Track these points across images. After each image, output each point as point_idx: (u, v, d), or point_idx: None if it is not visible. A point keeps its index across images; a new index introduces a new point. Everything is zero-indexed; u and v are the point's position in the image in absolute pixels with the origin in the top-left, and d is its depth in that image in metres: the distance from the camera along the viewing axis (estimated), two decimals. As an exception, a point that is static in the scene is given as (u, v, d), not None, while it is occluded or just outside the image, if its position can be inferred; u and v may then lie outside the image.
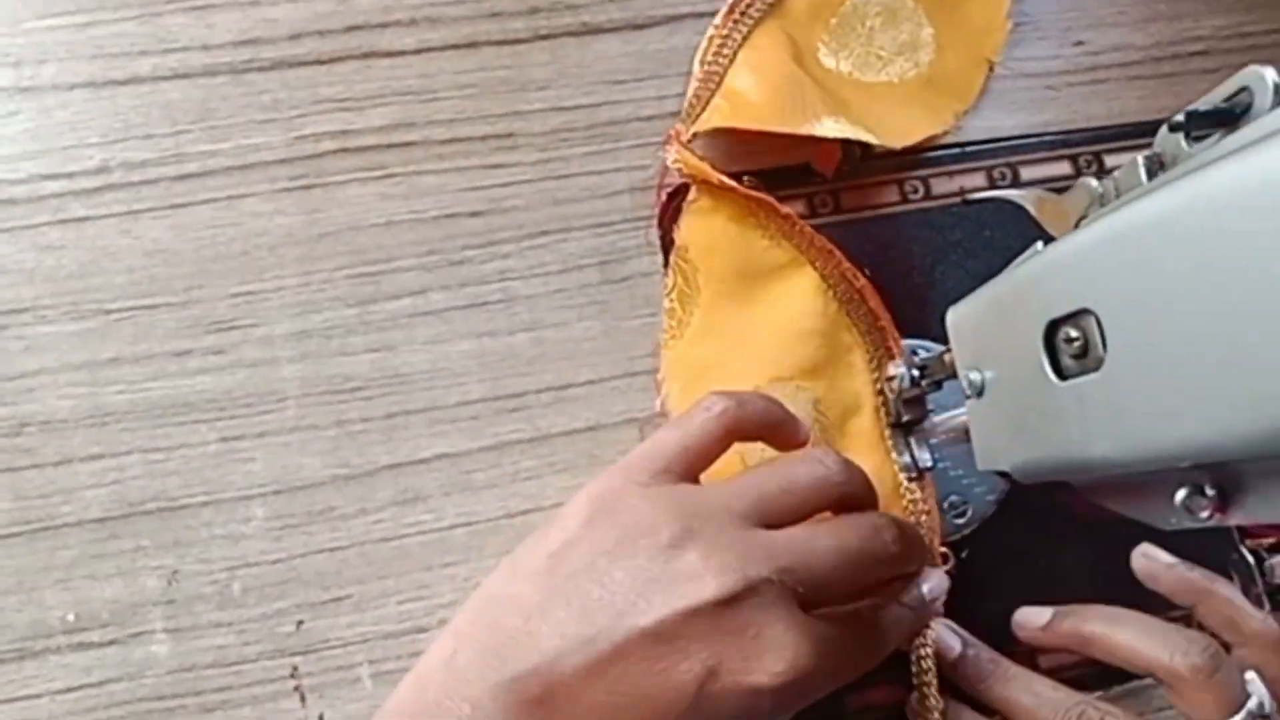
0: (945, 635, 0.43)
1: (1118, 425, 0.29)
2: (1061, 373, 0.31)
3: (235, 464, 0.43)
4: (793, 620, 0.33)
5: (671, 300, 0.46)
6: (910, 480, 0.45)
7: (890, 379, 0.43)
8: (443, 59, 0.47)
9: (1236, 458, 0.27)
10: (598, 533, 0.34)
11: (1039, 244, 0.34)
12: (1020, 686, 0.41)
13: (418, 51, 0.47)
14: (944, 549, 0.44)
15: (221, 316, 0.44)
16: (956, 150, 0.50)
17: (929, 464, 0.45)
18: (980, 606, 0.45)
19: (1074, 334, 0.30)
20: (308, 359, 0.44)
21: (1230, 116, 0.28)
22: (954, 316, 0.38)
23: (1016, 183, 0.50)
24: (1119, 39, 0.52)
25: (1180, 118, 0.28)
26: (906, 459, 0.45)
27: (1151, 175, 0.31)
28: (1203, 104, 0.29)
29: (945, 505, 0.46)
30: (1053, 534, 0.47)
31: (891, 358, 0.45)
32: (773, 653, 0.32)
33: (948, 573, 0.42)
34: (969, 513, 0.46)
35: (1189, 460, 0.27)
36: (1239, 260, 0.24)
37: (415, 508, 0.44)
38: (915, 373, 0.42)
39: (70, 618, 0.42)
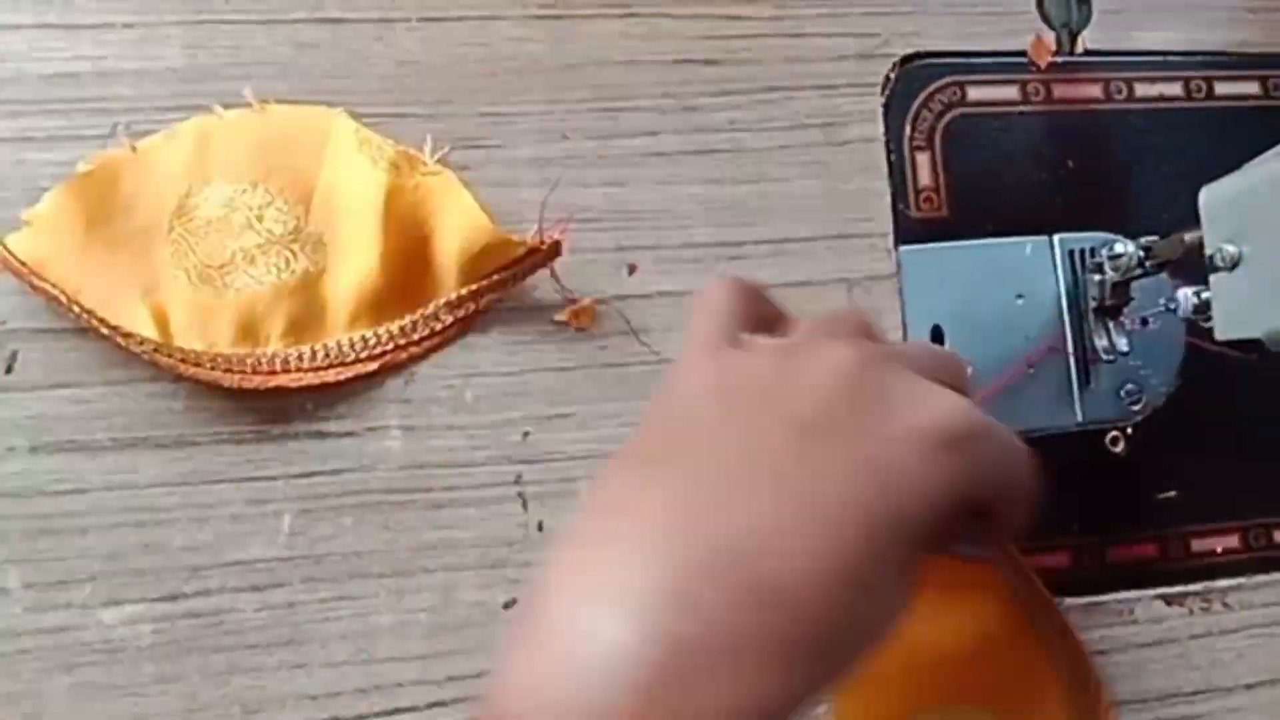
0: None
1: None
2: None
3: (474, 278, 0.45)
4: (913, 394, 0.28)
5: None
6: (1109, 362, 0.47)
7: (1115, 257, 0.45)
8: (690, -98, 0.48)
9: None
10: (752, 414, 0.27)
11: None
12: None
13: (667, -108, 0.48)
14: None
15: (468, 133, 0.45)
16: (1159, 58, 0.52)
17: (1125, 349, 0.47)
18: (1148, 490, 0.48)
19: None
20: (547, 184, 0.45)
21: None
22: (1209, 193, 0.40)
23: (1210, 95, 0.52)
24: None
25: None
26: (1105, 343, 0.47)
27: None
28: None
29: (1121, 393, 0.49)
30: (1211, 434, 0.50)
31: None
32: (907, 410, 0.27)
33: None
34: (1143, 400, 0.49)
35: None
36: None
37: (637, 338, 0.45)
38: (1141, 253, 0.44)
39: (309, 406, 0.43)
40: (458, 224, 0.43)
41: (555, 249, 0.43)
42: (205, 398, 0.42)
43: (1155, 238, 0.45)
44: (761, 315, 0.33)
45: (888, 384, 0.28)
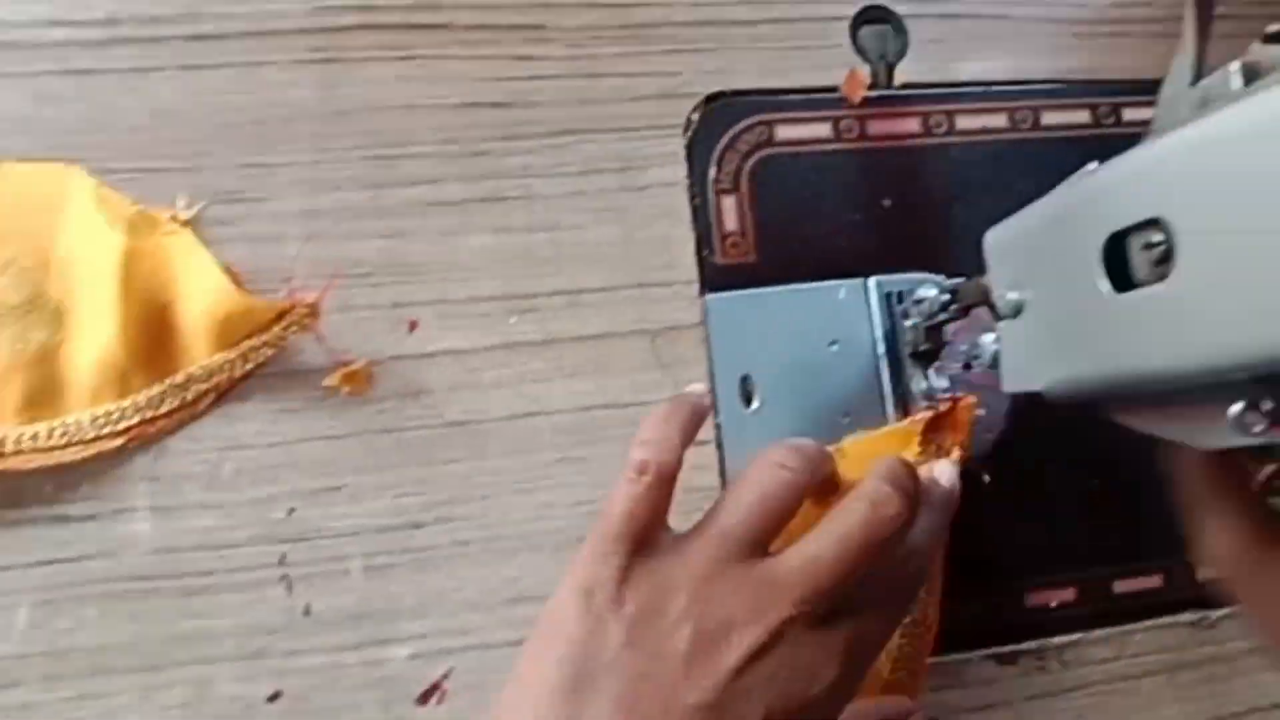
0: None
1: (1180, 335, 0.29)
2: (1121, 285, 0.31)
3: (236, 341, 0.41)
4: (820, 642, 0.33)
5: None
6: (927, 407, 0.45)
7: (919, 302, 0.43)
8: (478, -59, 0.46)
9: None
10: (605, 627, 0.32)
11: (1093, 164, 0.34)
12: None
13: (452, -70, 0.45)
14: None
15: (228, 187, 0.42)
16: (981, 89, 0.50)
17: (945, 391, 0.44)
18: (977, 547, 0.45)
19: (1156, 239, 0.29)
20: (315, 238, 0.43)
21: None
22: (993, 238, 0.38)
23: (1037, 126, 0.50)
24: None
25: (1276, 28, 0.28)
26: (924, 386, 0.45)
27: (1248, 83, 0.30)
28: (1296, 18, 0.28)
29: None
30: (1046, 482, 0.47)
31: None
32: (806, 678, 0.32)
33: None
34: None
35: (1256, 368, 0.27)
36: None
37: (417, 401, 0.42)
38: (946, 296, 0.42)
39: (48, 488, 0.40)
40: (200, 288, 0.40)
41: (312, 311, 0.40)
42: (-67, 482, 0.39)
43: (962, 279, 0.42)
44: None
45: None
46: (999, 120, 0.50)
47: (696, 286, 0.45)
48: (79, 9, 0.42)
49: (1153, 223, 0.29)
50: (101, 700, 0.39)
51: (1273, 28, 0.28)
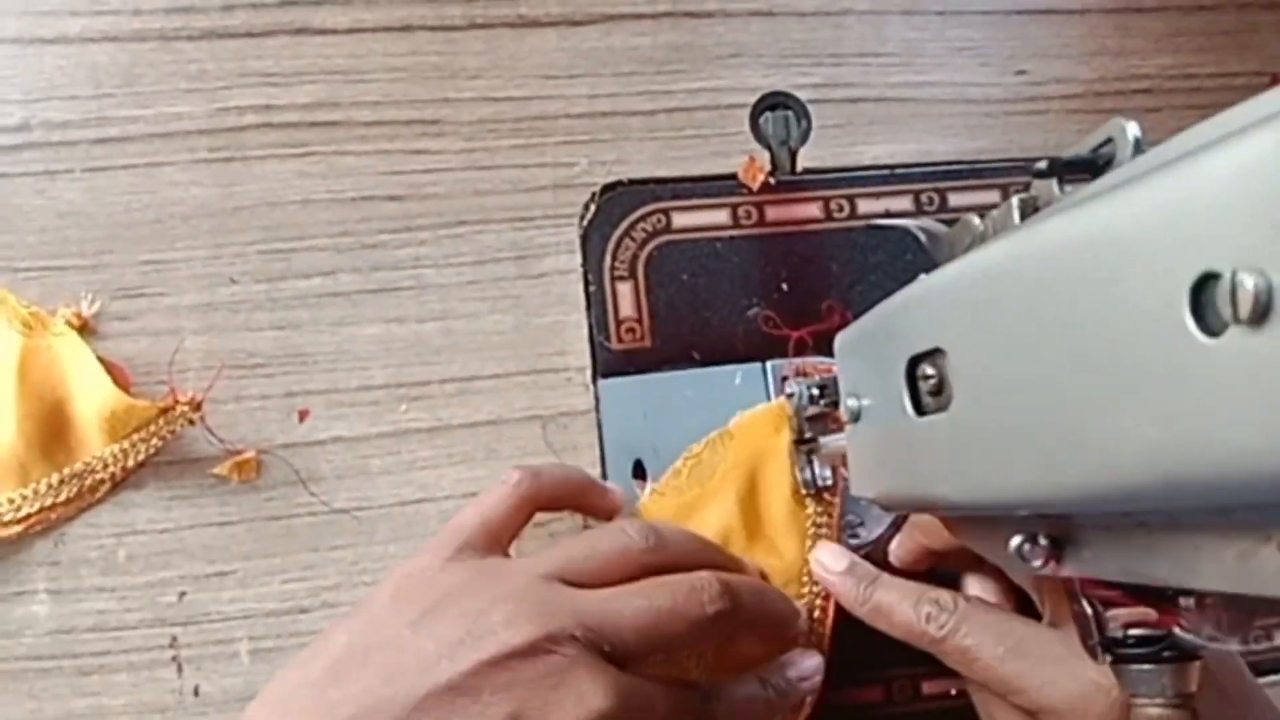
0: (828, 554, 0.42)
1: (960, 467, 0.29)
2: (920, 409, 0.31)
3: (130, 431, 0.43)
4: (596, 670, 0.33)
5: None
6: (808, 495, 0.45)
7: (789, 395, 0.43)
8: (374, 40, 0.47)
9: (1068, 510, 0.27)
10: (403, 607, 0.34)
11: (924, 275, 0.34)
12: (892, 585, 0.40)
13: (350, 31, 0.47)
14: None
15: (130, 283, 0.44)
16: (885, 172, 0.50)
17: (828, 482, 0.45)
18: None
19: (930, 371, 0.30)
20: (212, 331, 0.44)
21: (1093, 166, 0.28)
22: (841, 340, 0.38)
23: (944, 208, 0.50)
24: (1062, 71, 0.52)
25: (1043, 164, 0.28)
26: (807, 475, 0.45)
27: (1024, 217, 0.30)
28: (1069, 152, 0.29)
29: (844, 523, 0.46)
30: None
31: None
32: (573, 699, 0.32)
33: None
34: (862, 534, 0.46)
35: (1023, 509, 0.27)
36: (1072, 312, 0.23)
37: (306, 488, 0.44)
38: (814, 391, 0.42)
39: (-49, 571, 0.42)
40: (88, 386, 0.42)
41: (194, 405, 0.42)
42: None
43: (833, 375, 0.42)
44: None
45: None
46: (903, 203, 0.50)
47: (589, 373, 0.46)
48: (-9, 116, 0.44)
49: (939, 350, 0.29)
50: (-5, 777, 0.41)
51: (1040, 164, 0.28)
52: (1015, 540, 0.28)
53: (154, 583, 0.43)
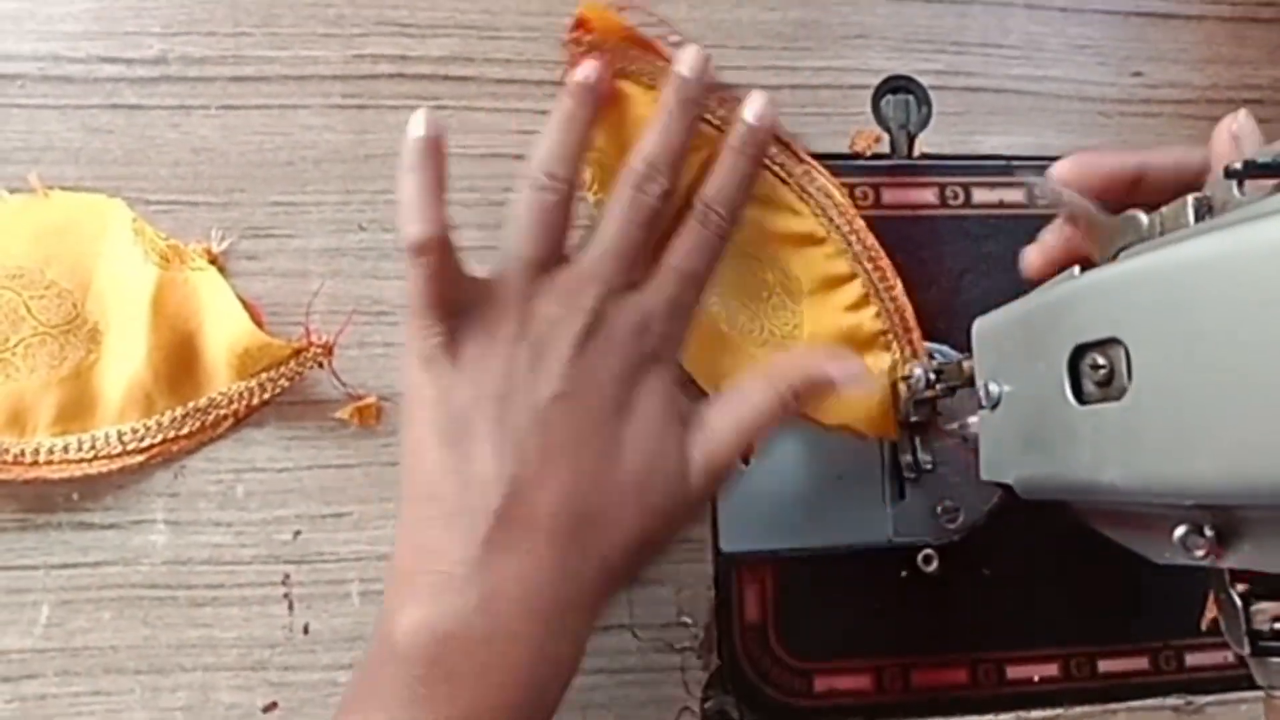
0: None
1: (1130, 455, 0.29)
2: (1082, 397, 0.32)
3: (255, 369, 0.44)
4: (638, 303, 0.38)
5: (594, 194, 0.45)
6: (912, 480, 0.46)
7: (906, 378, 0.44)
8: (510, -2, 0.47)
9: (1240, 503, 0.27)
10: (455, 382, 0.36)
11: (1075, 269, 0.34)
12: None
13: (487, -14, 0.47)
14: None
15: (259, 223, 0.45)
16: (1002, 163, 0.50)
17: (929, 466, 0.45)
18: (961, 612, 0.46)
19: (1101, 361, 0.30)
20: (338, 276, 0.45)
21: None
22: (980, 327, 0.38)
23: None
24: (1177, 75, 0.52)
25: (1238, 165, 0.29)
26: (909, 458, 0.46)
27: (1199, 218, 0.31)
28: (1261, 155, 0.29)
29: (938, 510, 0.47)
30: (1037, 553, 0.48)
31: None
32: (646, 330, 0.38)
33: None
34: (960, 518, 0.47)
35: (1194, 499, 0.28)
36: (1271, 314, 0.24)
37: (424, 437, 0.44)
38: (932, 375, 0.43)
39: (75, 496, 0.42)
40: (222, 322, 0.42)
41: (326, 350, 0.43)
42: (-32, 484, 0.42)
43: (952, 359, 0.43)
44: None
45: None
46: (1016, 195, 0.50)
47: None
48: (130, 47, 0.45)
49: (1114, 341, 0.30)
50: (111, 698, 0.42)
51: (1234, 165, 0.29)
52: (1180, 530, 0.29)
53: (270, 520, 0.43)
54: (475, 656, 0.33)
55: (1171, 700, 0.48)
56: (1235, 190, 0.30)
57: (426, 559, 0.34)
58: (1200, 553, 0.29)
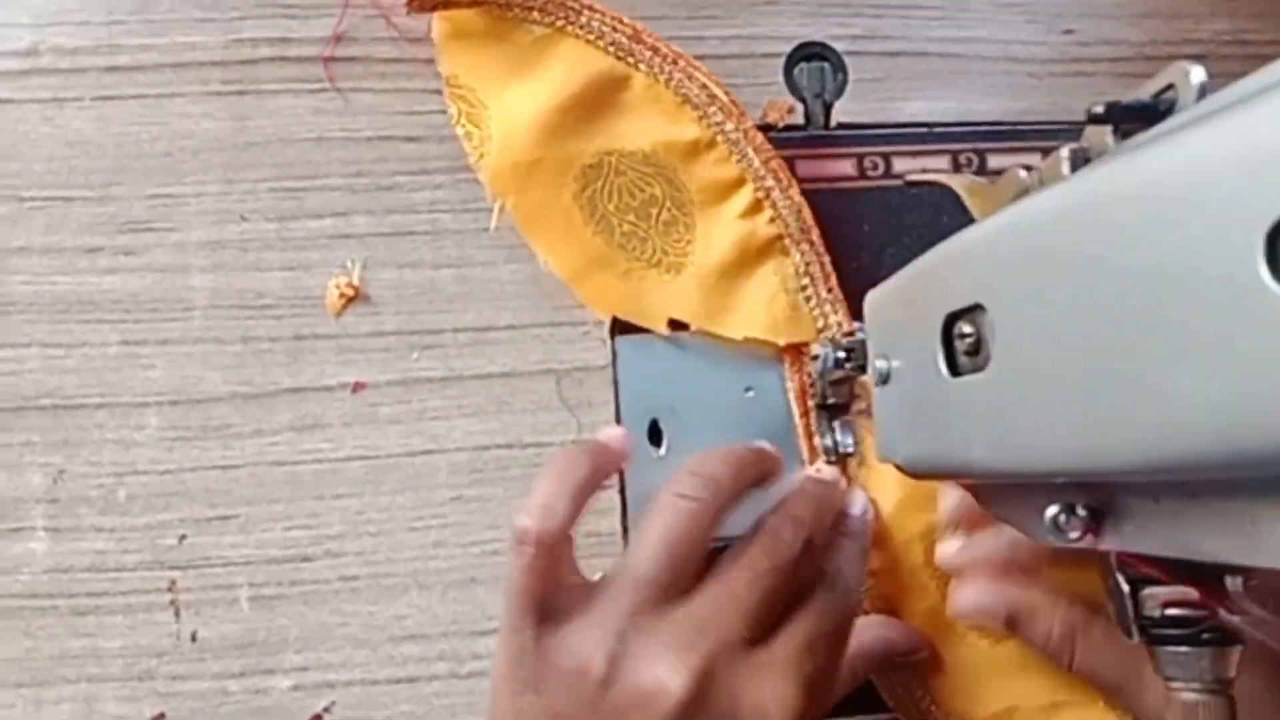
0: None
1: (996, 430, 0.27)
2: (955, 369, 0.29)
3: (135, 369, 0.42)
4: (760, 664, 0.32)
5: (464, 125, 0.43)
6: (829, 463, 0.44)
7: (814, 358, 0.42)
8: (397, -25, 0.45)
9: (1114, 478, 0.25)
10: (534, 705, 0.32)
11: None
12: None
13: (372, -36, 0.45)
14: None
15: (137, 217, 0.43)
16: (923, 130, 0.48)
17: (850, 449, 0.43)
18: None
19: (968, 329, 0.28)
20: (220, 269, 0.43)
21: (1154, 112, 0.26)
22: (871, 299, 0.36)
23: (983, 170, 0.48)
24: (1111, 32, 0.50)
25: (1100, 109, 0.26)
26: (828, 441, 0.43)
27: (1076, 168, 0.29)
28: (1127, 98, 0.27)
29: (869, 496, 0.45)
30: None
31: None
32: (768, 701, 0.32)
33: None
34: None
35: (1061, 475, 0.26)
36: (1129, 264, 0.22)
37: (313, 434, 0.43)
38: (840, 354, 0.40)
39: (-47, 505, 0.41)
40: None
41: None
42: None
43: (861, 337, 0.41)
44: None
45: None
46: (941, 163, 0.48)
47: (607, 327, 0.45)
48: (0, 39, 0.43)
49: (980, 308, 0.28)
50: (-10, 713, 0.40)
51: (1097, 108, 0.26)
52: (1051, 510, 0.27)
53: (153, 525, 0.42)
54: None
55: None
56: (1109, 138, 0.28)
57: None
58: (1074, 534, 0.27)
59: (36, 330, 0.42)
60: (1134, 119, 0.27)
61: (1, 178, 0.43)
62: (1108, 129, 0.27)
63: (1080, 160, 0.28)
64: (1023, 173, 0.31)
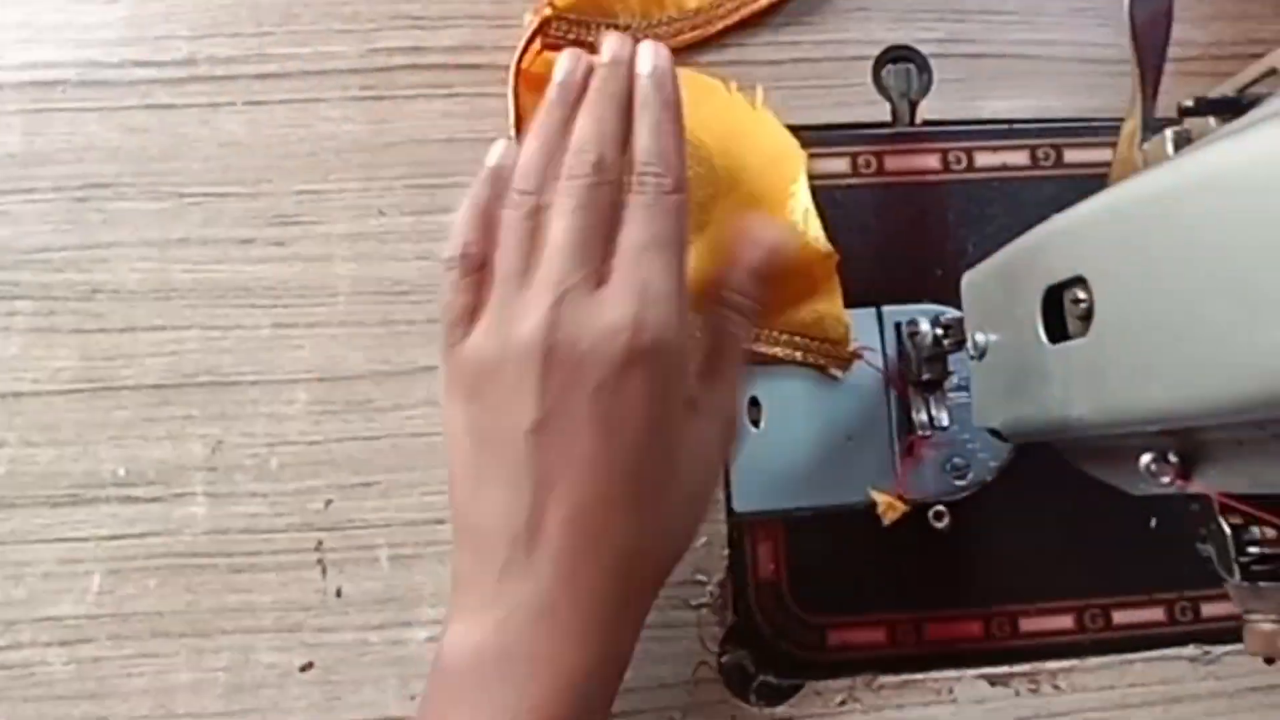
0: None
1: (1096, 388, 0.31)
2: (1055, 336, 0.33)
3: (285, 349, 0.46)
4: (599, 306, 0.34)
5: None
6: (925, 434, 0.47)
7: (913, 335, 0.45)
8: (518, -13, 0.50)
9: (1198, 423, 0.28)
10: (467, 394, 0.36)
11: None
12: None
13: (494, -22, 0.49)
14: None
15: (286, 211, 0.47)
16: (1003, 127, 0.51)
17: (945, 424, 0.46)
18: (973, 567, 0.47)
19: (1082, 296, 0.31)
20: (361, 259, 0.47)
21: (1237, 105, 0.29)
22: (968, 279, 0.40)
23: (1060, 163, 0.51)
24: (1179, 33, 0.52)
25: (1190, 102, 0.30)
26: (923, 417, 0.47)
27: (1178, 150, 0.32)
28: (1215, 91, 0.30)
29: (947, 466, 0.48)
30: (1047, 508, 0.49)
31: None
32: (610, 335, 0.33)
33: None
34: (969, 475, 0.48)
35: (1155, 424, 0.29)
36: (1226, 231, 0.25)
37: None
38: (939, 331, 0.44)
39: (121, 472, 0.45)
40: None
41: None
42: (26, 462, 0.45)
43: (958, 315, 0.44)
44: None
45: None
46: (1020, 157, 0.51)
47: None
48: (161, 51, 0.48)
49: (1080, 279, 0.31)
50: (159, 660, 0.44)
51: (1187, 102, 0.30)
52: (1145, 458, 0.30)
53: (302, 490, 0.46)
54: (496, 671, 0.33)
55: (1188, 650, 0.48)
56: (1212, 123, 0.31)
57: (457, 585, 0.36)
58: (1166, 479, 0.30)
59: (196, 314, 0.46)
60: (1220, 112, 0.30)
61: (163, 176, 0.47)
62: (1209, 118, 0.30)
63: (1183, 143, 0.31)
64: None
